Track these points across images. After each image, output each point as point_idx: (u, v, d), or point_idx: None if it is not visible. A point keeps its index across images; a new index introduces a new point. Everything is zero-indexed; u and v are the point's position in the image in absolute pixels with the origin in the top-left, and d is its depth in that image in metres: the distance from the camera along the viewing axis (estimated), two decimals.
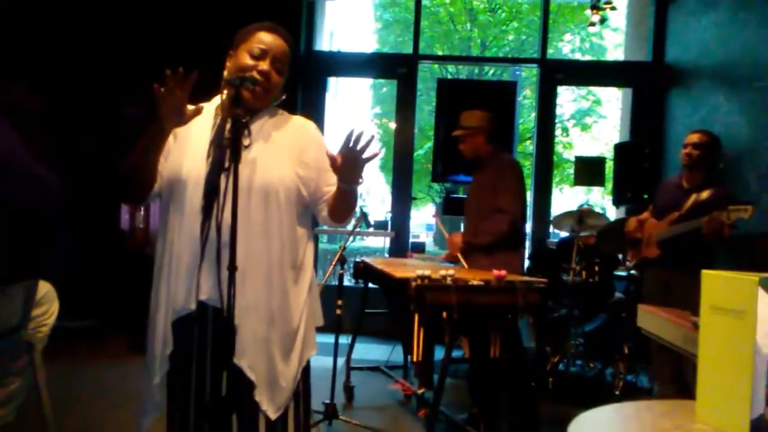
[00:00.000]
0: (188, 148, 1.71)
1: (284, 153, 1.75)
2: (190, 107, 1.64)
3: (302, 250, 1.81)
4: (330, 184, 1.81)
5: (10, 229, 2.03)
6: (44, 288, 2.27)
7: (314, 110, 6.20)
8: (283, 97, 1.83)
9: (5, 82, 3.53)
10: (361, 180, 1.72)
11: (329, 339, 3.44)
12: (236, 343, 1.64)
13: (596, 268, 4.39)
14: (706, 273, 1.15)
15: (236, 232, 1.51)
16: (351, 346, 4.09)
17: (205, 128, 1.74)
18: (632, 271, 4.23)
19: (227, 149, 1.65)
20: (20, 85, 3.75)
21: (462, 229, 3.81)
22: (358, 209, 4.73)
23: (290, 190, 1.74)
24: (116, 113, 5.59)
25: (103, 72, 5.74)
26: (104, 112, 5.66)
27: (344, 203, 1.77)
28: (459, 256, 3.56)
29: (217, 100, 1.82)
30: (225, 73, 1.76)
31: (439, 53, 14.53)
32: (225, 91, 1.71)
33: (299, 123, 1.86)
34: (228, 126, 1.72)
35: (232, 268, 1.51)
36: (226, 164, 1.65)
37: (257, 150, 1.71)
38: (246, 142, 1.67)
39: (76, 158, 5.08)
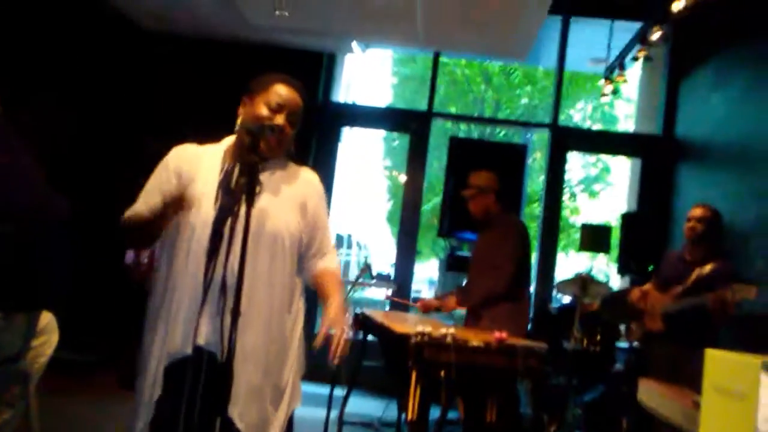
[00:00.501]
0: (196, 192, 1.73)
1: (289, 202, 1.79)
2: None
3: (296, 299, 1.84)
4: (323, 243, 1.88)
5: (18, 257, 2.05)
6: (46, 318, 2.26)
7: (327, 158, 6.28)
8: (291, 148, 1.88)
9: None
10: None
11: (324, 390, 3.39)
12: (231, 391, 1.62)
13: (598, 337, 4.34)
14: (709, 352, 1.15)
15: (243, 276, 1.51)
16: (345, 399, 4.02)
17: (213, 171, 1.77)
18: (634, 343, 4.18)
19: (237, 194, 1.67)
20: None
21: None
22: (362, 260, 4.70)
23: (294, 237, 1.78)
24: (137, 147, 5.70)
25: (126, 107, 5.88)
26: (125, 146, 5.77)
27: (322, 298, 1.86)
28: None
29: (225, 143, 1.85)
30: (239, 119, 1.81)
31: (453, 111, 14.76)
32: (241, 137, 1.76)
33: (305, 175, 1.91)
34: (237, 171, 1.75)
35: (236, 313, 1.49)
36: (234, 209, 1.68)
37: (266, 199, 1.73)
38: (257, 189, 1.70)
39: (90, 188, 5.14)
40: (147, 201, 1.80)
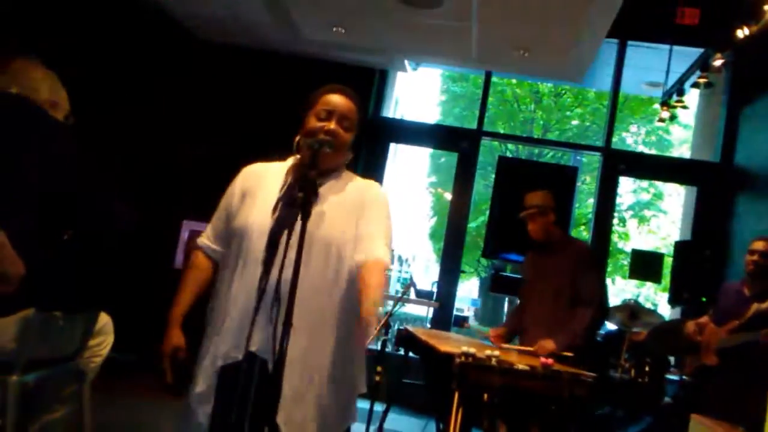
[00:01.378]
0: (256, 204, 1.79)
1: (345, 211, 1.79)
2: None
3: (355, 313, 1.81)
4: (371, 236, 1.78)
5: (78, 260, 2.13)
6: (103, 319, 2.34)
7: (374, 174, 6.32)
8: (350, 155, 1.90)
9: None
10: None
11: (364, 405, 3.39)
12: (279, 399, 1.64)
13: (646, 368, 4.22)
14: None
15: (296, 290, 1.53)
16: (384, 416, 4.01)
17: (275, 186, 1.82)
18: (684, 376, 4.05)
19: (295, 207, 1.69)
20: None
21: (511, 311, 3.75)
22: (407, 276, 4.68)
23: (350, 245, 1.76)
24: (176, 152, 5.89)
25: (180, 116, 6.06)
26: (166, 152, 5.94)
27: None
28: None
29: (291, 160, 1.90)
30: (298, 135, 1.85)
31: (501, 131, 14.67)
32: (302, 153, 1.81)
33: (367, 183, 1.92)
34: (299, 186, 1.78)
35: (288, 322, 1.51)
36: (291, 221, 1.69)
37: (323, 207, 1.75)
38: (313, 202, 1.72)
39: (139, 194, 5.30)
40: (215, 222, 1.94)
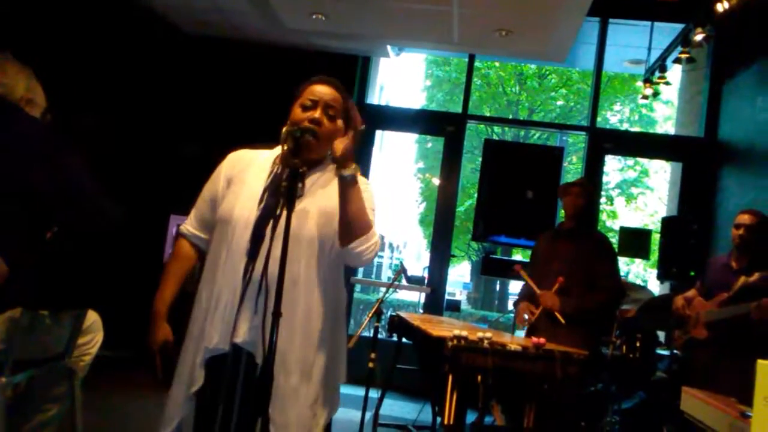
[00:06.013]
0: (242, 193, 1.76)
1: (331, 204, 1.77)
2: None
3: (339, 304, 1.84)
4: None
5: (68, 258, 2.11)
6: (92, 317, 2.32)
7: (361, 162, 6.28)
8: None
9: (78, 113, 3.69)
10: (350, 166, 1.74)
11: (359, 392, 3.40)
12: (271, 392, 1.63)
13: (637, 344, 4.25)
14: (761, 363, 1.12)
15: (283, 280, 1.51)
16: (380, 401, 4.02)
17: (262, 175, 1.79)
18: (675, 350, 4.09)
19: (281, 197, 1.69)
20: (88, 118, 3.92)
21: (522, 292, 3.81)
22: (398, 262, 4.68)
23: (333, 240, 1.75)
24: (176, 149, 5.86)
25: (166, 110, 6.01)
26: (164, 148, 5.91)
27: (342, 210, 1.71)
28: (557, 315, 3.45)
29: (277, 150, 1.88)
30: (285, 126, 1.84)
31: (486, 114, 14.67)
32: (286, 142, 1.78)
33: None
34: (285, 175, 1.76)
35: (277, 314, 1.49)
36: (278, 212, 1.69)
37: (307, 201, 1.74)
38: (299, 192, 1.69)
39: (126, 189, 5.25)
40: (199, 209, 1.90)
